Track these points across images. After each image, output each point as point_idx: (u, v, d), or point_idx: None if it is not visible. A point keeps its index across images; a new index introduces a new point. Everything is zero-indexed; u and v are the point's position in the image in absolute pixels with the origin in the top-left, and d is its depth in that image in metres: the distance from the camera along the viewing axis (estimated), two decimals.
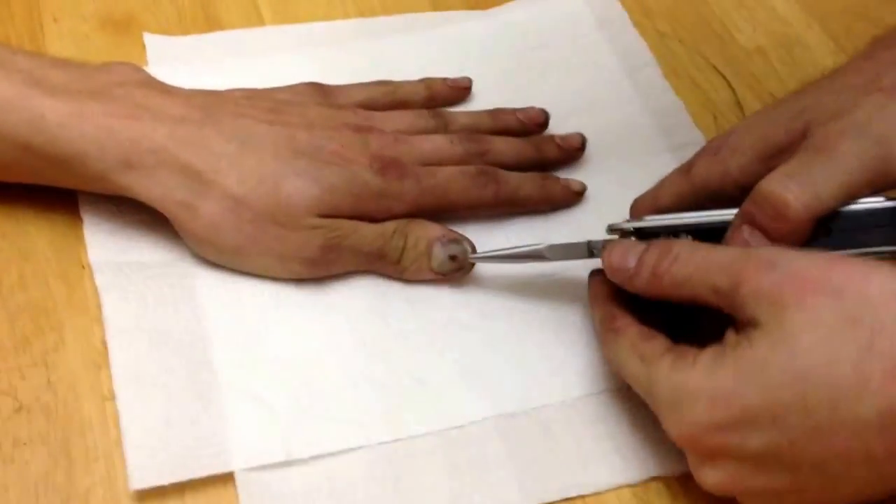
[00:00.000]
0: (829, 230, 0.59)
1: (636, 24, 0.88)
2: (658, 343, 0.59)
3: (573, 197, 0.75)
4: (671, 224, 0.63)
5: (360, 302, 0.69)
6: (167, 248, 0.69)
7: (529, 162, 0.75)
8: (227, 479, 0.60)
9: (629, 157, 0.79)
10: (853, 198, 0.59)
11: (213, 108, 0.69)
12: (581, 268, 0.67)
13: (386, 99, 0.77)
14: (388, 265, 0.69)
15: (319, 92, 0.76)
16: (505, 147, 0.75)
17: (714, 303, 0.57)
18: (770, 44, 0.87)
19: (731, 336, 0.56)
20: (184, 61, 0.81)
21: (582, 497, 0.62)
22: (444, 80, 0.80)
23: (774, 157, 0.62)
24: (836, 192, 0.59)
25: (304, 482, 0.61)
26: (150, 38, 0.83)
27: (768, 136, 0.62)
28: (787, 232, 0.59)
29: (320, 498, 0.60)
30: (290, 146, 0.68)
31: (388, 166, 0.69)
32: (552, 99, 0.81)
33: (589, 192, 0.75)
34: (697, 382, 0.55)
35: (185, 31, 0.84)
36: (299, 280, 0.69)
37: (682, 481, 0.61)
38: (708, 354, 0.56)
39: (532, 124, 0.78)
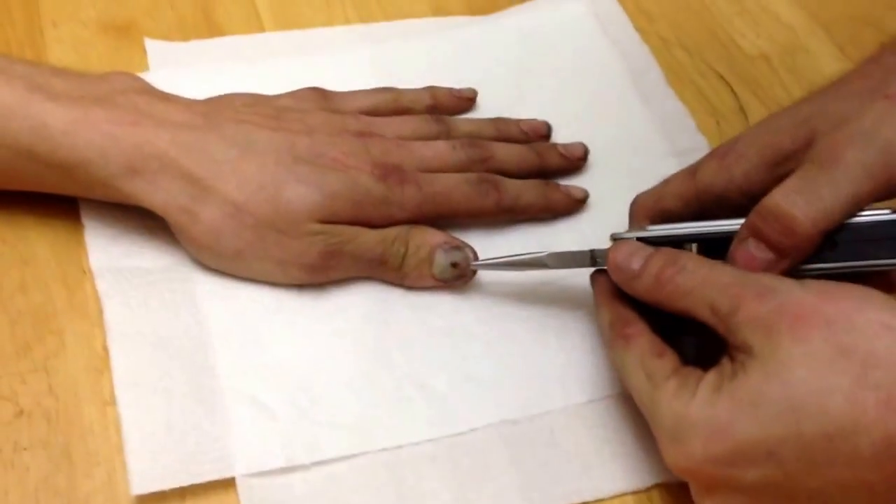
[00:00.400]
0: (834, 243, 0.59)
1: (639, 30, 0.88)
2: (667, 362, 0.58)
3: (575, 205, 0.75)
4: (675, 234, 0.63)
5: (362, 307, 0.68)
6: (168, 253, 0.69)
7: (531, 169, 0.75)
8: (228, 484, 0.60)
9: (632, 162, 0.78)
10: (860, 208, 0.59)
11: (214, 115, 0.69)
12: (583, 274, 0.67)
13: (389, 106, 0.77)
14: (389, 271, 0.69)
15: (321, 97, 0.75)
16: (507, 154, 0.74)
17: (710, 321, 0.57)
18: (774, 50, 0.87)
19: (727, 364, 0.56)
20: (185, 67, 0.81)
21: None
22: (449, 89, 0.80)
23: (780, 164, 0.61)
24: (842, 205, 0.58)
25: (306, 488, 0.61)
26: (151, 44, 0.83)
27: (774, 143, 0.62)
28: (793, 247, 0.59)
29: None
30: (291, 152, 0.68)
31: (389, 173, 0.69)
32: (554, 104, 0.81)
33: (591, 198, 0.75)
34: (696, 415, 0.55)
35: (185, 37, 0.84)
36: (300, 285, 0.68)
37: (685, 488, 0.60)
38: (706, 385, 0.56)
39: (535, 135, 0.78)
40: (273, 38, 0.85)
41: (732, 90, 0.84)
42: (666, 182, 0.67)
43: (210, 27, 0.85)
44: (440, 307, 0.69)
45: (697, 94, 0.83)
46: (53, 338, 0.65)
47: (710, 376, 0.56)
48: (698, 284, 0.58)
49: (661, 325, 0.62)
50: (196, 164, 0.66)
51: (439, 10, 0.89)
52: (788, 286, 0.56)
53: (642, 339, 0.60)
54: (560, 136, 0.79)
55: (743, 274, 0.58)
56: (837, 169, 0.58)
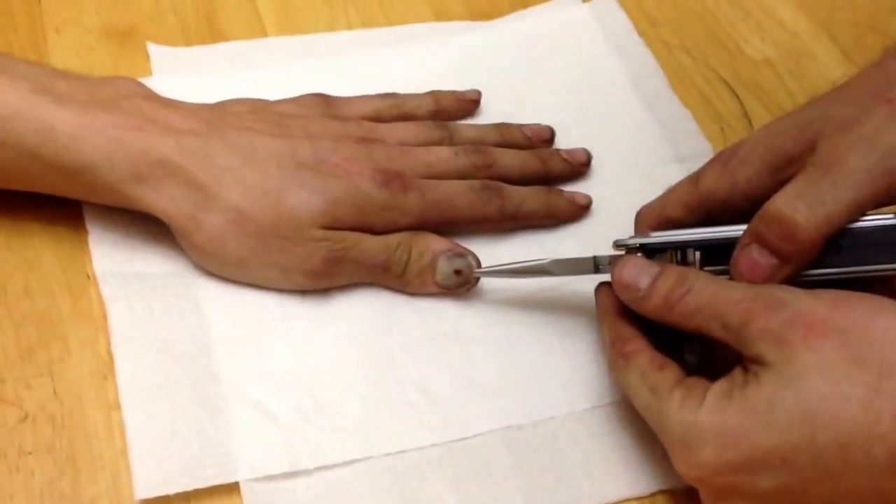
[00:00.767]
0: (838, 247, 0.59)
1: (642, 35, 0.88)
2: (669, 374, 0.58)
3: (578, 211, 0.75)
4: (678, 240, 0.63)
5: (365, 312, 0.68)
6: (172, 258, 0.69)
7: (535, 175, 0.75)
8: (232, 489, 0.60)
9: (635, 168, 0.78)
10: (862, 213, 0.59)
11: (218, 121, 0.69)
12: (587, 280, 0.67)
13: (392, 112, 0.77)
14: (392, 278, 0.69)
15: (324, 103, 0.75)
16: (510, 160, 0.74)
17: (722, 338, 0.57)
18: (778, 55, 0.87)
19: (738, 374, 0.56)
20: (188, 72, 0.81)
21: None
22: (453, 92, 0.80)
23: (783, 168, 0.61)
24: (845, 210, 0.58)
25: (309, 493, 0.61)
26: (154, 49, 0.83)
27: (777, 148, 0.62)
28: (796, 252, 0.59)
29: None
30: (294, 159, 0.68)
31: (391, 179, 0.69)
32: (557, 109, 0.81)
33: (594, 204, 0.75)
34: (707, 422, 0.55)
35: (188, 42, 0.84)
36: (304, 291, 0.68)
37: (689, 494, 0.60)
38: (717, 393, 0.56)
39: (538, 140, 0.78)
40: (276, 44, 0.85)
41: (736, 95, 0.84)
42: (669, 190, 0.67)
43: (213, 32, 0.85)
44: (444, 313, 0.69)
45: (701, 99, 0.83)
46: (58, 343, 0.65)
47: (720, 385, 0.56)
48: (708, 303, 0.58)
49: (661, 335, 0.62)
50: (200, 171, 0.66)
51: (442, 16, 0.89)
52: (799, 297, 0.56)
53: (642, 355, 0.60)
54: (562, 140, 0.79)
55: (752, 288, 0.57)
56: (840, 174, 0.58)
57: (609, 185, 0.77)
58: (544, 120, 0.79)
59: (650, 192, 0.69)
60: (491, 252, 0.70)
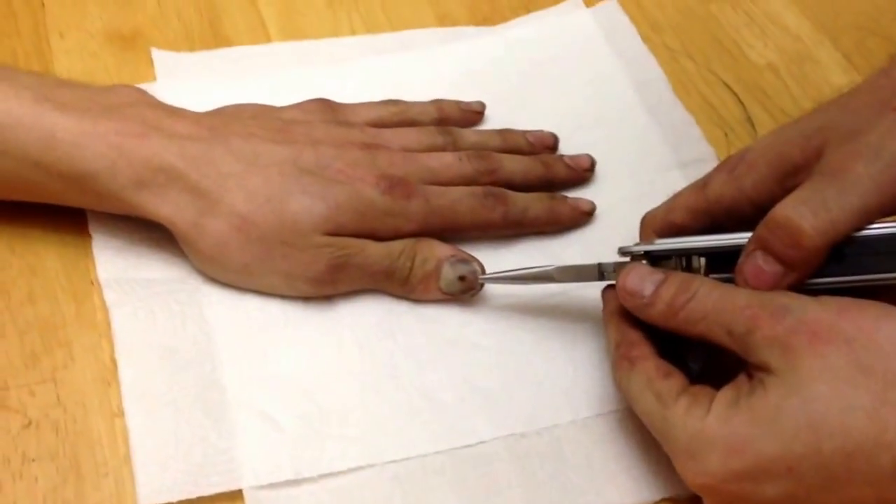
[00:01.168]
0: (843, 256, 0.59)
1: (645, 40, 0.88)
2: (674, 381, 0.58)
3: (582, 217, 0.75)
4: (683, 248, 0.63)
5: (369, 319, 0.68)
6: (176, 265, 0.69)
7: (538, 181, 0.75)
8: (235, 496, 0.60)
9: (638, 173, 0.78)
10: (868, 222, 0.59)
11: (221, 128, 0.69)
12: (591, 287, 0.67)
13: (395, 119, 0.77)
14: (396, 284, 0.69)
15: (328, 109, 0.75)
16: (514, 166, 0.74)
17: (727, 344, 0.57)
18: (781, 60, 0.87)
19: (743, 382, 0.56)
20: (192, 77, 0.82)
21: None
22: (457, 102, 0.80)
23: (790, 176, 0.61)
24: (851, 218, 0.58)
25: (313, 500, 0.61)
26: (158, 54, 0.83)
27: (784, 155, 0.62)
28: (801, 259, 0.59)
29: None
30: (297, 165, 0.68)
31: (395, 185, 0.69)
32: (560, 115, 0.81)
33: (598, 210, 0.75)
34: (713, 431, 0.55)
35: (192, 47, 0.84)
36: (307, 297, 0.68)
37: (693, 502, 0.60)
38: (722, 401, 0.56)
39: (541, 146, 0.78)
40: (279, 49, 0.86)
41: (740, 100, 0.84)
42: (675, 196, 0.67)
43: (216, 37, 0.85)
44: (447, 319, 0.69)
45: (704, 104, 0.83)
46: (62, 349, 0.65)
47: (725, 392, 0.56)
48: (712, 309, 0.58)
49: (665, 343, 0.61)
50: (203, 177, 0.66)
51: (445, 21, 0.89)
52: (804, 304, 0.56)
53: (647, 362, 0.60)
54: (565, 145, 0.79)
55: (757, 294, 0.57)
56: (846, 181, 0.58)
57: (613, 190, 0.77)
58: (547, 126, 0.79)
59: (654, 197, 0.69)
60: (495, 258, 0.70)
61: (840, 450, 0.52)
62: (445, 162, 0.72)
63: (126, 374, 0.64)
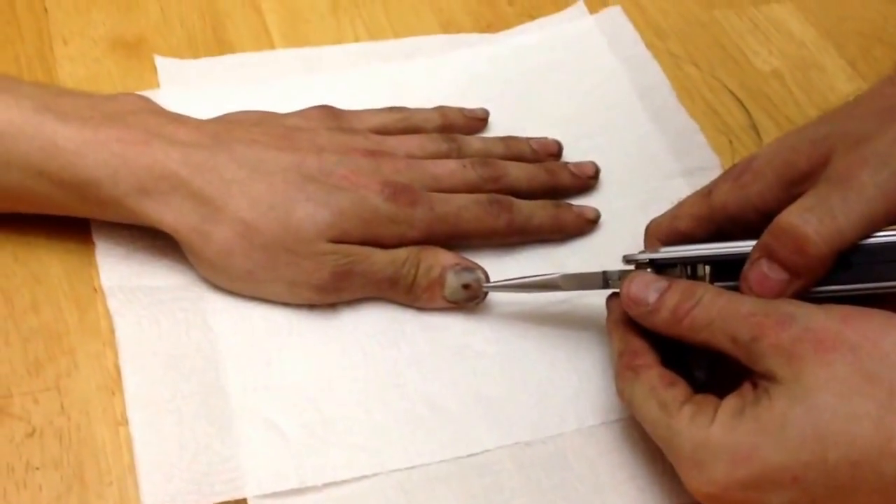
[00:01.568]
0: (849, 263, 0.59)
1: (649, 46, 0.88)
2: (678, 391, 0.58)
3: (586, 225, 0.74)
4: (688, 255, 0.63)
5: (373, 327, 0.68)
6: (179, 272, 0.69)
7: (542, 188, 0.75)
8: None
9: (643, 180, 0.78)
10: (874, 229, 0.59)
11: (224, 135, 0.69)
12: (596, 294, 0.67)
13: (399, 125, 0.77)
14: (400, 292, 0.69)
15: (331, 116, 0.75)
16: (518, 173, 0.74)
17: (731, 352, 0.57)
18: (786, 67, 0.87)
19: (748, 390, 0.56)
20: (195, 84, 0.82)
21: None
22: (461, 109, 0.80)
23: (796, 184, 0.61)
24: (856, 225, 0.58)
25: None
26: (161, 61, 0.83)
27: (790, 162, 0.62)
28: (806, 266, 0.58)
29: None
30: (301, 171, 0.68)
31: (399, 192, 0.69)
32: (564, 122, 0.81)
33: (602, 217, 0.75)
34: (718, 440, 0.55)
35: (195, 54, 0.84)
36: (311, 305, 0.68)
37: None
38: (727, 410, 0.56)
39: (545, 153, 0.78)
40: (283, 56, 0.86)
41: (744, 107, 0.84)
42: (680, 203, 0.67)
43: (220, 44, 0.85)
44: (452, 327, 0.69)
45: (709, 110, 0.83)
46: (65, 357, 0.65)
47: (730, 401, 0.56)
48: (717, 317, 0.58)
49: (670, 350, 0.61)
50: (207, 184, 0.66)
51: (448, 28, 0.89)
52: (809, 312, 0.56)
53: (651, 371, 0.60)
54: (569, 153, 0.78)
55: (762, 302, 0.57)
56: (852, 189, 0.58)
57: (617, 198, 0.77)
58: (551, 133, 0.79)
59: (658, 205, 0.69)
60: (499, 266, 0.70)
61: (846, 458, 0.52)
62: (449, 169, 0.72)
63: (130, 382, 0.64)
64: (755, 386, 0.56)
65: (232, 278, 0.67)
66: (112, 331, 0.66)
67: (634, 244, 0.68)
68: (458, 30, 0.89)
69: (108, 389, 0.64)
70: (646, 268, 0.63)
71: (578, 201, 0.76)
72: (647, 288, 0.61)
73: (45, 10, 0.86)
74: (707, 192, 0.65)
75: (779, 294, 0.59)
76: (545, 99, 0.84)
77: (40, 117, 0.66)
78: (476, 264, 0.69)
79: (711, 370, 0.63)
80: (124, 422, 0.62)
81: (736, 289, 0.60)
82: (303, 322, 0.68)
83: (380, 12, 0.89)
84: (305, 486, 0.61)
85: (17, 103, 0.66)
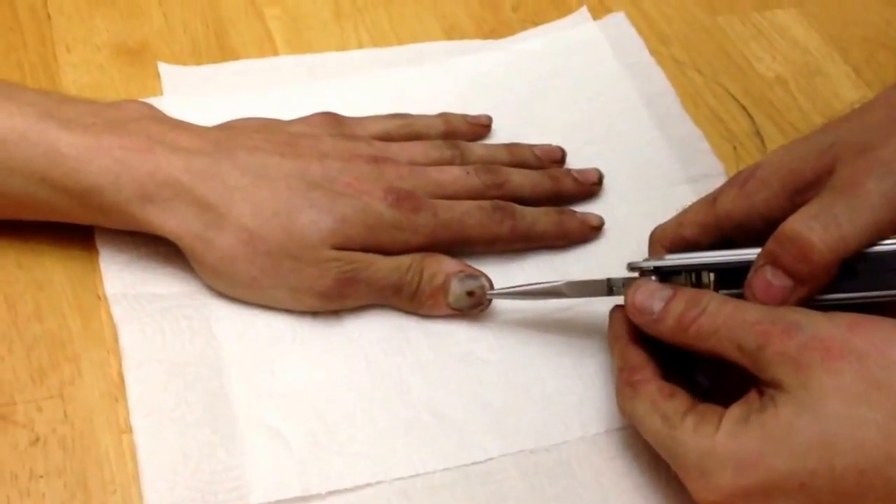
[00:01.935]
0: (855, 272, 0.59)
1: (653, 53, 0.88)
2: (679, 402, 0.58)
3: (590, 232, 0.74)
4: (693, 263, 0.63)
5: (377, 334, 0.68)
6: (183, 279, 0.69)
7: (546, 195, 0.75)
8: None
9: (647, 187, 0.78)
10: (880, 238, 0.59)
11: (227, 142, 0.69)
12: (600, 301, 0.66)
13: (402, 132, 0.76)
14: (404, 300, 0.68)
15: (334, 123, 0.75)
16: (521, 180, 0.74)
17: (737, 360, 0.57)
18: (790, 73, 0.87)
19: (754, 398, 0.56)
20: (198, 91, 0.82)
21: None
22: (464, 116, 0.79)
23: (801, 192, 0.61)
24: (861, 233, 0.58)
25: None
26: (164, 68, 0.83)
27: (795, 171, 0.62)
28: (810, 273, 0.58)
29: None
30: (304, 178, 0.68)
31: (402, 199, 0.68)
32: (568, 128, 0.81)
33: (606, 224, 0.75)
34: (724, 448, 0.55)
35: (198, 60, 0.84)
36: (315, 312, 0.68)
37: None
38: (733, 417, 0.56)
39: (549, 160, 0.77)
40: (286, 62, 0.86)
41: (748, 113, 0.83)
42: (685, 210, 0.67)
43: (223, 50, 0.85)
44: (456, 334, 0.68)
45: (713, 117, 0.83)
46: (69, 365, 0.65)
47: (735, 409, 0.56)
48: (722, 325, 0.58)
49: (673, 357, 0.61)
50: (210, 191, 0.66)
51: (452, 34, 0.89)
52: (815, 320, 0.55)
53: (650, 385, 0.60)
54: (573, 160, 0.78)
55: (768, 310, 0.57)
56: (857, 197, 0.58)
57: (621, 205, 0.76)
58: (555, 139, 0.79)
59: (662, 212, 0.69)
60: (503, 273, 0.70)
61: (853, 466, 0.52)
62: (453, 175, 0.72)
63: (133, 389, 0.64)
64: (761, 394, 0.56)
65: (235, 285, 0.67)
66: (116, 338, 0.66)
67: (639, 251, 0.68)
68: (462, 36, 0.89)
69: (111, 397, 0.64)
70: (650, 275, 0.63)
71: (582, 208, 0.76)
72: (652, 296, 0.61)
73: (49, 16, 0.86)
74: (712, 199, 0.65)
75: (782, 301, 0.59)
76: (549, 105, 0.84)
77: (43, 124, 0.66)
78: (480, 271, 0.69)
79: (715, 376, 0.63)
80: (128, 429, 0.62)
81: (741, 296, 0.60)
82: (306, 329, 0.68)
83: (383, 18, 0.89)
84: (309, 494, 0.60)
85: (20, 110, 0.66)
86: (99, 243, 0.70)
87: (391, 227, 0.68)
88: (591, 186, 0.77)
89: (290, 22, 0.88)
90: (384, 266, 0.68)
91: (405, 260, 0.68)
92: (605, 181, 0.77)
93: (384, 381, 0.66)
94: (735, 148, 0.81)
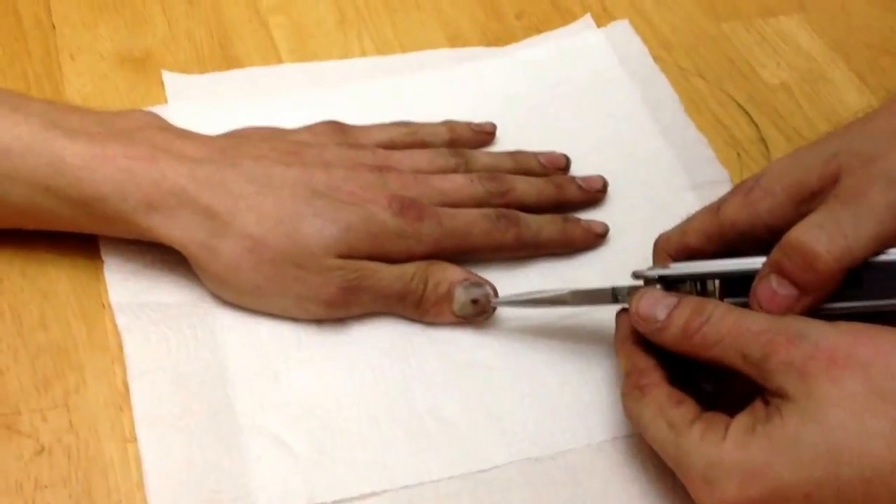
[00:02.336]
0: (860, 281, 0.59)
1: (657, 59, 0.87)
2: (686, 409, 0.58)
3: (595, 239, 0.74)
4: (697, 272, 0.63)
5: (382, 342, 0.68)
6: (188, 288, 0.69)
7: (550, 202, 0.75)
8: None
9: (651, 195, 0.78)
10: (885, 247, 0.58)
11: (231, 151, 0.69)
12: (605, 309, 0.66)
13: (407, 140, 0.76)
14: (409, 308, 0.68)
15: (339, 131, 0.75)
16: (526, 187, 0.74)
17: (742, 369, 0.57)
18: (793, 79, 0.87)
19: (760, 408, 0.56)
20: (203, 99, 0.82)
21: None
22: (468, 123, 0.79)
23: (806, 201, 0.61)
24: (866, 243, 0.58)
25: None
26: (168, 76, 0.83)
27: (800, 179, 0.62)
28: (816, 283, 0.58)
29: None
30: (308, 187, 0.68)
31: (407, 207, 0.68)
32: (572, 136, 0.81)
33: (611, 231, 0.75)
34: (730, 458, 0.55)
35: (202, 69, 0.85)
36: (320, 321, 0.68)
37: None
38: (739, 427, 0.56)
39: (553, 167, 0.77)
40: (290, 70, 0.86)
41: (752, 120, 0.83)
42: (690, 218, 0.67)
43: (227, 59, 0.86)
44: (461, 342, 0.68)
45: (717, 123, 0.83)
46: (74, 374, 0.65)
47: (741, 419, 0.56)
48: (727, 333, 0.57)
49: (677, 364, 0.61)
50: (214, 199, 0.66)
51: (456, 42, 0.89)
52: (820, 329, 0.55)
53: (659, 389, 0.60)
54: (578, 167, 0.78)
55: (772, 319, 0.57)
56: (862, 207, 0.58)
57: (625, 212, 0.76)
58: (559, 147, 0.79)
59: (667, 219, 0.69)
60: (507, 281, 0.70)
61: (858, 476, 0.52)
62: (457, 184, 0.72)
63: (138, 399, 0.64)
64: (766, 403, 0.56)
65: (240, 293, 0.67)
66: (120, 347, 0.66)
67: (643, 258, 0.68)
68: (466, 43, 0.89)
69: (116, 406, 0.64)
70: (655, 283, 0.63)
71: (587, 215, 0.75)
72: (657, 305, 0.61)
73: (53, 26, 0.86)
74: (716, 207, 0.65)
75: (787, 309, 0.59)
76: (553, 113, 0.83)
77: (48, 134, 0.66)
78: (484, 279, 0.69)
79: (719, 383, 0.63)
80: (133, 439, 0.62)
81: (745, 304, 0.60)
82: (311, 338, 0.68)
83: (387, 26, 0.89)
84: (315, 503, 0.60)
85: (25, 120, 0.66)
86: (103, 252, 0.70)
87: (395, 236, 0.68)
88: (595, 194, 0.76)
89: (295, 30, 0.88)
90: (389, 274, 0.68)
91: (409, 268, 0.68)
92: (610, 188, 0.77)
93: (389, 389, 0.66)
94: (739, 154, 0.81)
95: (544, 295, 0.66)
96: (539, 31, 0.90)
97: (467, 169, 0.75)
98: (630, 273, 0.65)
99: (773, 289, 0.59)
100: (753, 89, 0.86)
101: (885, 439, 0.52)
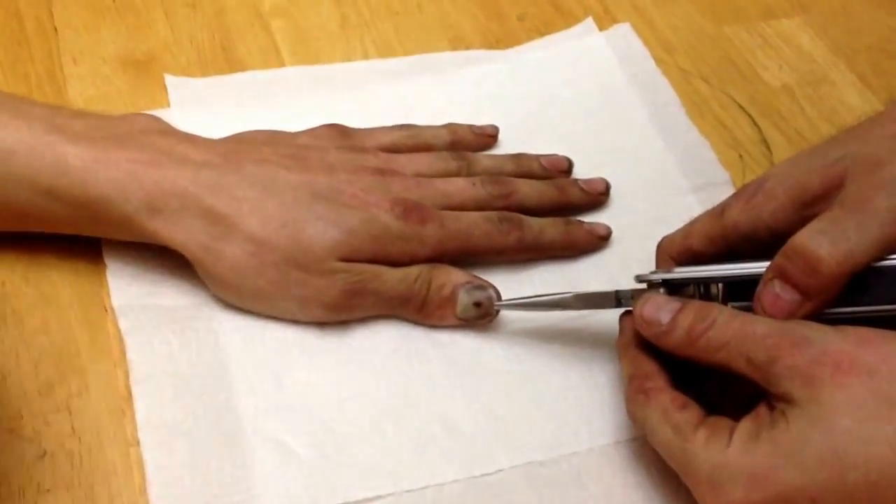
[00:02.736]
0: (864, 286, 0.59)
1: (658, 62, 0.87)
2: (691, 413, 0.58)
3: (598, 242, 0.74)
4: (701, 276, 0.63)
5: (385, 345, 0.68)
6: (190, 292, 0.69)
7: (553, 205, 0.75)
8: None
9: (653, 197, 0.78)
10: (889, 252, 0.58)
11: (234, 154, 0.69)
12: (609, 311, 0.66)
13: (409, 143, 0.76)
14: (412, 310, 0.68)
15: (341, 134, 0.75)
16: (528, 190, 0.74)
17: (747, 373, 0.57)
18: (796, 81, 0.87)
19: (764, 412, 0.56)
20: (205, 103, 0.82)
21: None
22: (470, 126, 0.79)
23: (809, 205, 0.61)
24: (870, 248, 0.58)
25: None
26: (171, 80, 0.83)
27: (803, 184, 0.62)
28: (819, 287, 0.58)
29: None
30: (311, 190, 0.68)
31: (409, 210, 0.68)
32: (573, 138, 0.81)
33: (613, 235, 0.75)
34: (736, 462, 0.55)
35: (205, 72, 0.85)
36: (323, 323, 0.68)
37: None
38: (744, 432, 0.55)
39: (555, 170, 0.77)
40: (292, 74, 0.86)
41: (754, 122, 0.83)
42: (693, 222, 0.67)
43: (230, 62, 0.86)
44: (464, 345, 0.68)
45: (719, 125, 0.83)
46: (76, 378, 0.65)
47: (746, 424, 0.56)
48: (732, 338, 0.57)
49: (680, 368, 0.61)
50: (218, 202, 0.66)
51: (457, 45, 0.89)
52: (825, 334, 0.55)
53: (663, 394, 0.60)
54: (579, 170, 0.78)
55: (777, 324, 0.57)
56: (866, 212, 0.58)
57: (627, 214, 0.76)
58: (561, 150, 0.79)
59: (669, 221, 0.69)
60: (511, 284, 0.70)
61: (864, 481, 0.52)
62: (459, 186, 0.72)
63: (141, 403, 0.64)
64: (771, 408, 0.55)
65: (243, 296, 0.67)
66: (123, 351, 0.66)
67: (646, 260, 0.68)
68: (468, 46, 0.89)
69: (119, 410, 0.64)
70: (658, 287, 0.63)
71: (589, 218, 0.75)
72: (661, 309, 0.60)
73: (55, 29, 0.86)
74: (719, 211, 0.65)
75: (790, 314, 0.59)
76: (555, 115, 0.83)
77: (51, 137, 0.66)
78: (487, 282, 0.69)
79: (723, 387, 0.63)
80: (135, 443, 0.62)
81: (748, 309, 0.60)
82: (314, 341, 0.68)
83: (389, 30, 0.89)
84: None
85: (28, 124, 0.66)
86: (106, 255, 0.70)
87: (398, 239, 0.68)
88: (598, 196, 0.76)
89: (297, 33, 0.88)
90: (391, 277, 0.67)
91: (413, 271, 0.68)
92: (612, 191, 0.77)
93: (392, 393, 0.66)
94: (741, 156, 0.81)
95: (547, 298, 0.66)
96: (541, 33, 0.90)
97: (469, 172, 0.75)
98: (633, 276, 0.65)
99: (777, 293, 0.59)
100: (755, 91, 0.86)
101: (890, 444, 0.52)
